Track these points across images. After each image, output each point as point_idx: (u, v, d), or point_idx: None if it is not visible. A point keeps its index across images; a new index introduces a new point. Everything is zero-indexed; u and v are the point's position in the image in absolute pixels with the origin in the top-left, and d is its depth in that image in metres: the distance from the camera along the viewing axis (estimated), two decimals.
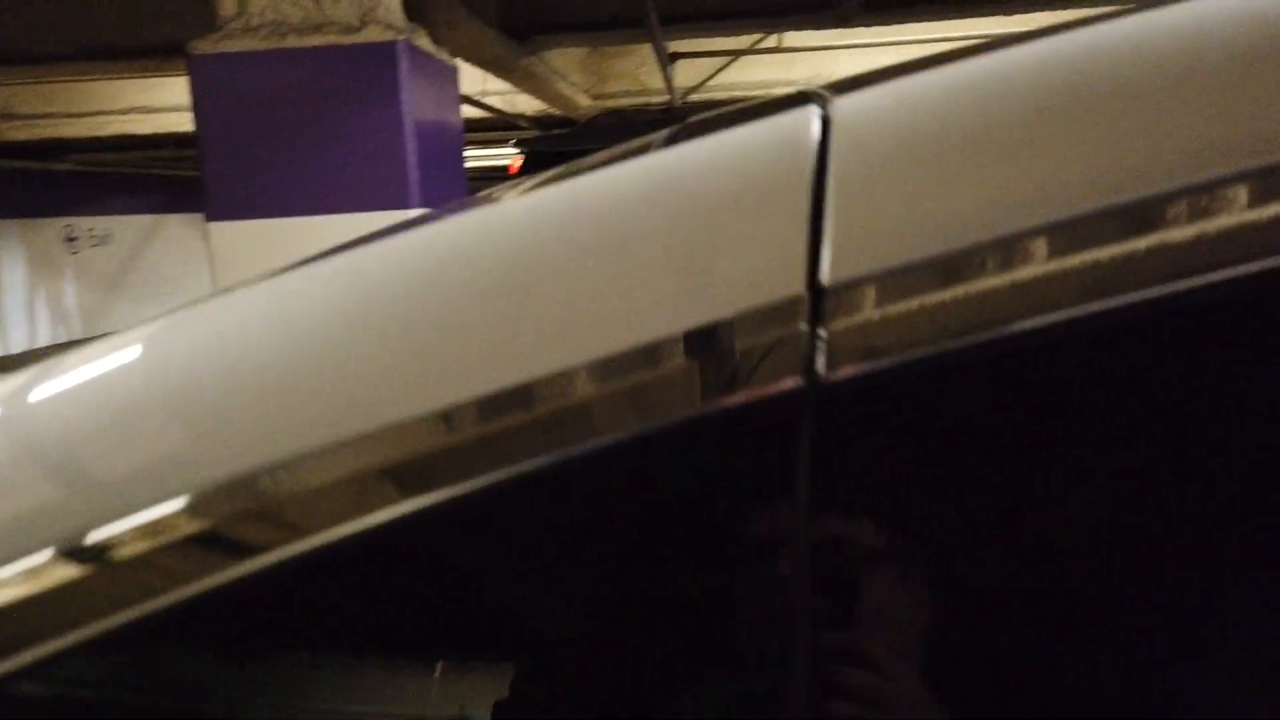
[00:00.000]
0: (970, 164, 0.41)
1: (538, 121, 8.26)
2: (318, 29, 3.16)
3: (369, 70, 3.13)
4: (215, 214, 3.22)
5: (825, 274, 0.41)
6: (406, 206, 3.11)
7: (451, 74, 3.70)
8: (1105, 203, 0.39)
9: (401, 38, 3.15)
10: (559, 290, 0.44)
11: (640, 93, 7.50)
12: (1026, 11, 5.12)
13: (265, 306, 0.54)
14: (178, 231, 12.75)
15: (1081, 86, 0.41)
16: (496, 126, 8.48)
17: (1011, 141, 0.41)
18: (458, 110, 3.65)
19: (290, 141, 3.17)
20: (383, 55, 3.12)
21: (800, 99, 0.47)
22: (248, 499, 0.43)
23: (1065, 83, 0.41)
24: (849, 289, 0.41)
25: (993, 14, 5.24)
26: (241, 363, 0.49)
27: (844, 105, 0.44)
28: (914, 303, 0.40)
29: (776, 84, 7.17)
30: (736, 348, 0.41)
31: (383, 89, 3.12)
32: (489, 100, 7.17)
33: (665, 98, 7.19)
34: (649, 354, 0.42)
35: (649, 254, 0.44)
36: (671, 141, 0.52)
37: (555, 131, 5.32)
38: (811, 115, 0.45)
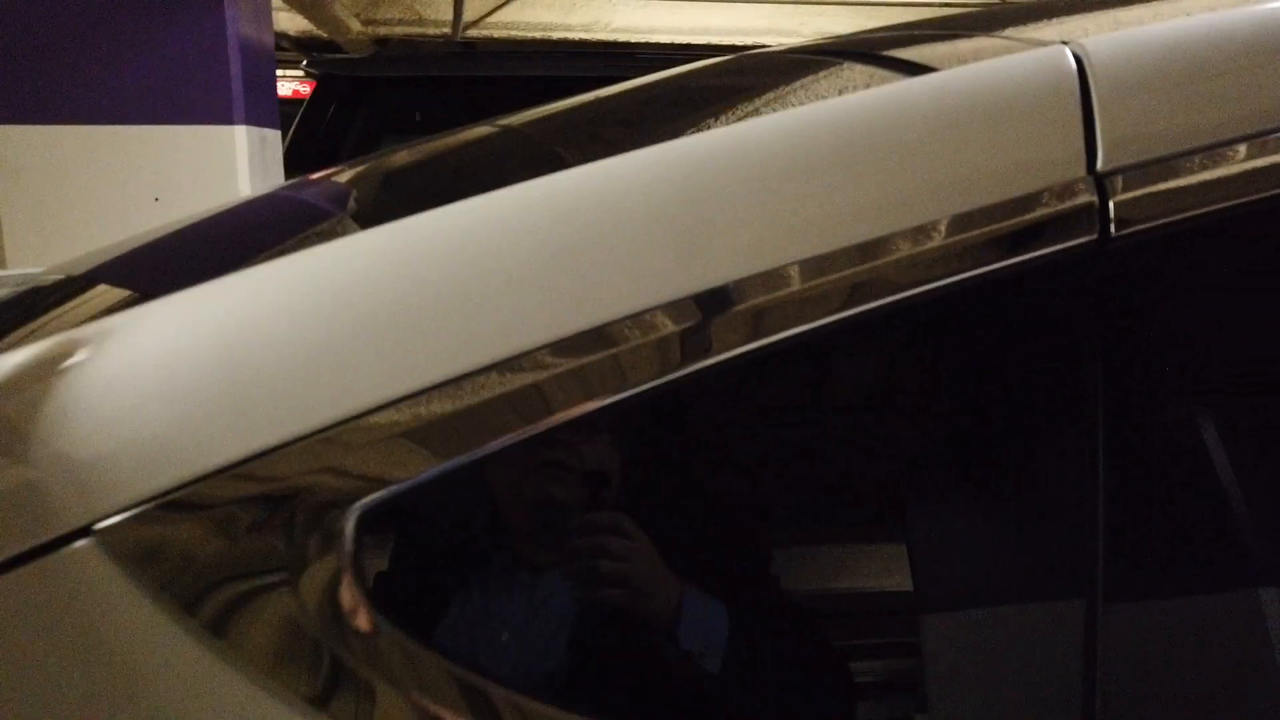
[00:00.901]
0: (1188, 88, 0.61)
1: (299, 43, 7.76)
2: None
3: None
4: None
5: (1100, 163, 0.59)
6: (230, 121, 2.94)
7: None
8: None
9: None
10: (903, 170, 0.59)
11: (415, 22, 7.27)
12: None
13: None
14: None
15: None
16: None
17: (1223, 71, 0.61)
18: (270, 18, 3.45)
19: (89, 38, 2.87)
20: None
21: (1048, 43, 0.64)
22: None
23: None
24: (1120, 174, 0.59)
25: None
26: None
27: (1090, 45, 0.62)
28: (1166, 184, 0.59)
29: (555, 27, 7.23)
30: (1033, 215, 0.59)
31: None
32: None
33: (441, 30, 7.02)
34: (959, 222, 0.58)
35: (955, 154, 0.60)
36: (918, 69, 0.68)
37: (348, 56, 5.07)
38: (1065, 51, 0.62)
